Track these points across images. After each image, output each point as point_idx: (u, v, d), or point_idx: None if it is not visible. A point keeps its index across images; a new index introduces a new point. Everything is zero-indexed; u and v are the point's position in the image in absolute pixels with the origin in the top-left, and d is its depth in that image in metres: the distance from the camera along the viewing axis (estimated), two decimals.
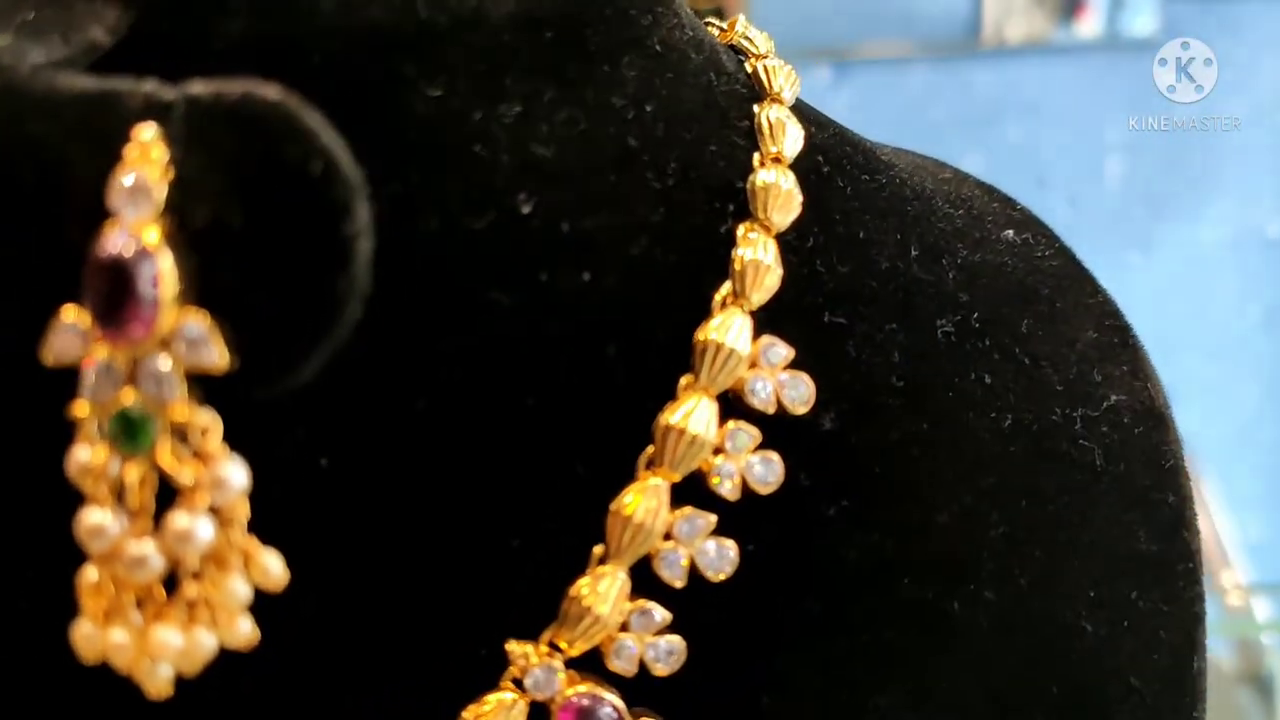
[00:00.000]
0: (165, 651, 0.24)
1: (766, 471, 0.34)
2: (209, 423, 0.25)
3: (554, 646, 0.33)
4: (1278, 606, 1.92)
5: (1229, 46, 2.25)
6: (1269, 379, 2.50)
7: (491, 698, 0.33)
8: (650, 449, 0.34)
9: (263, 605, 0.28)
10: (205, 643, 0.25)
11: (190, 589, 0.25)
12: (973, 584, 0.36)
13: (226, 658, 0.27)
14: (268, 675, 0.32)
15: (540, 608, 0.33)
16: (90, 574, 0.25)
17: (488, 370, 0.32)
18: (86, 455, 0.24)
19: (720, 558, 0.34)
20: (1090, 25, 2.43)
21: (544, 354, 0.33)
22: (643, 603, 0.33)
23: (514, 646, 0.33)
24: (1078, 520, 0.37)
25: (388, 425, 0.32)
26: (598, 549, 0.33)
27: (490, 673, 0.33)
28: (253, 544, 0.25)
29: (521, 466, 0.33)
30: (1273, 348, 2.53)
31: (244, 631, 0.25)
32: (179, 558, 0.24)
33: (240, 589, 0.25)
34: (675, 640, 0.33)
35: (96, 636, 0.25)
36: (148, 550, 0.24)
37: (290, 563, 0.27)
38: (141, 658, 0.25)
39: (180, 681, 0.29)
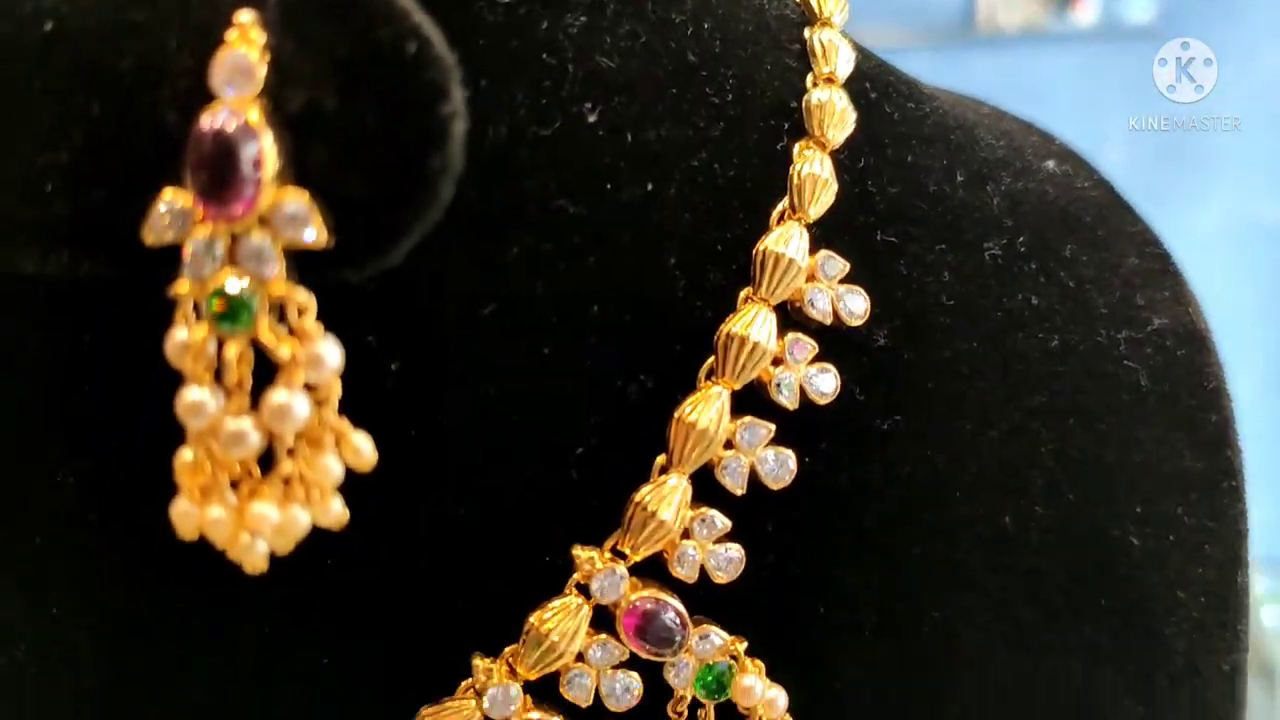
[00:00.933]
0: (262, 526, 0.25)
1: (824, 382, 0.35)
2: (306, 301, 0.25)
3: (618, 553, 0.34)
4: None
5: (1227, 35, 2.26)
6: (1265, 368, 2.51)
7: (557, 603, 0.33)
8: (711, 359, 0.34)
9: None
10: (300, 519, 0.25)
11: (286, 466, 0.25)
12: (1023, 499, 0.37)
13: (312, 542, 0.28)
14: (342, 571, 0.32)
15: (604, 515, 0.34)
16: (187, 453, 0.26)
17: (554, 278, 0.33)
18: (185, 334, 0.25)
19: (780, 466, 0.34)
20: (1087, 13, 2.44)
21: (608, 263, 0.33)
22: (704, 510, 0.34)
23: (580, 552, 0.33)
24: (1124, 438, 0.38)
25: (456, 329, 0.32)
26: (660, 458, 0.34)
27: (556, 579, 0.34)
28: (345, 424, 0.26)
29: (585, 375, 0.33)
30: (1268, 336, 2.54)
31: (336, 511, 0.26)
32: (276, 434, 0.25)
33: (334, 467, 0.25)
34: (735, 548, 0.34)
35: (194, 513, 0.25)
36: (245, 426, 0.25)
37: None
38: (239, 534, 0.25)
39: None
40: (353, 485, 0.28)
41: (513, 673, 0.33)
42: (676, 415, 0.33)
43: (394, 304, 0.30)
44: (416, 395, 0.31)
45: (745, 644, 0.34)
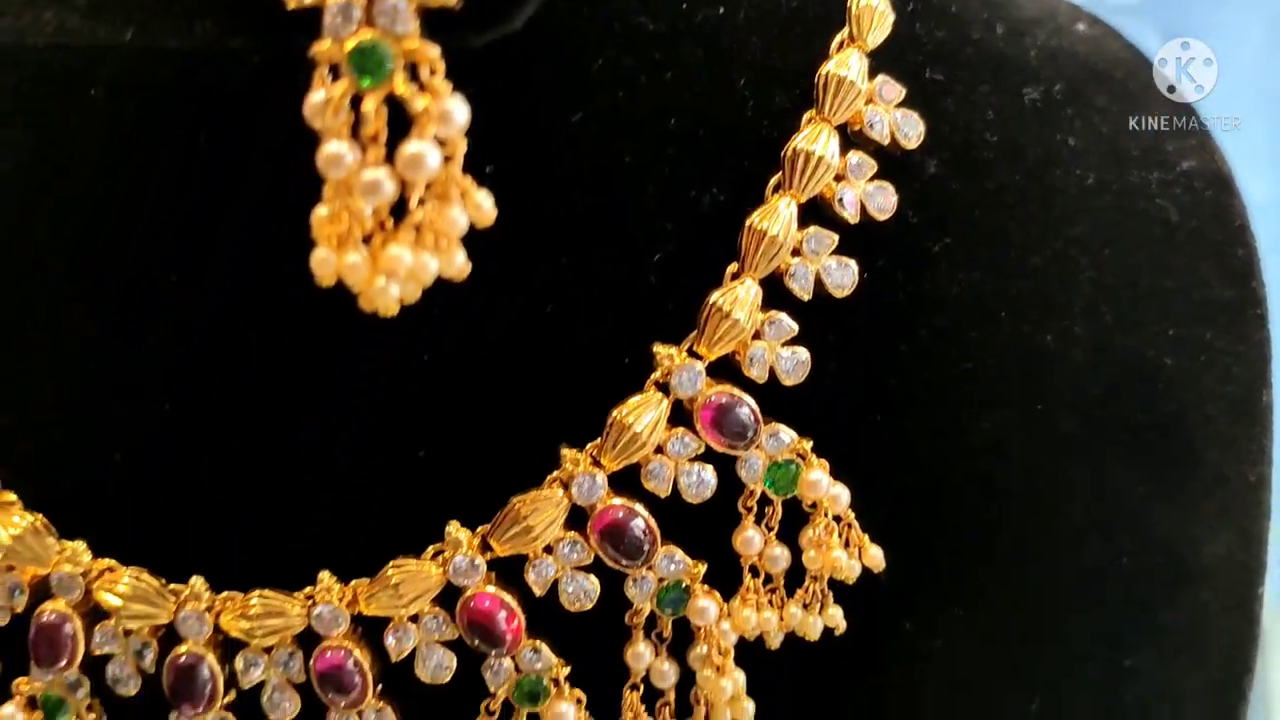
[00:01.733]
0: (397, 268, 0.27)
1: (883, 199, 0.37)
2: (437, 58, 0.27)
3: (694, 354, 0.36)
4: None
5: (1215, 11, 2.29)
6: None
7: (638, 398, 0.36)
8: (779, 174, 0.37)
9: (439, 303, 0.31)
10: (429, 265, 0.28)
11: (418, 214, 0.27)
12: (1065, 320, 0.39)
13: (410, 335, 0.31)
14: (435, 368, 0.35)
15: (681, 318, 0.36)
16: (323, 209, 0.28)
17: (635, 90, 0.35)
18: (324, 93, 0.27)
19: (842, 273, 0.37)
20: None
21: (684, 79, 0.36)
22: (774, 313, 0.36)
23: (660, 349, 0.36)
24: (1157, 267, 0.41)
25: (545, 137, 0.35)
26: (732, 265, 0.36)
27: (636, 378, 0.36)
28: (469, 180, 0.28)
29: (663, 184, 0.36)
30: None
31: (459, 262, 0.28)
32: (409, 183, 0.27)
33: (459, 218, 0.28)
34: (801, 351, 0.36)
35: (331, 260, 0.28)
36: (381, 176, 0.27)
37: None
38: (374, 277, 0.27)
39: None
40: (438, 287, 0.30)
41: (596, 464, 0.35)
42: (748, 224, 0.36)
43: (488, 110, 0.32)
44: (508, 197, 0.34)
45: (811, 443, 0.37)
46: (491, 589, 0.35)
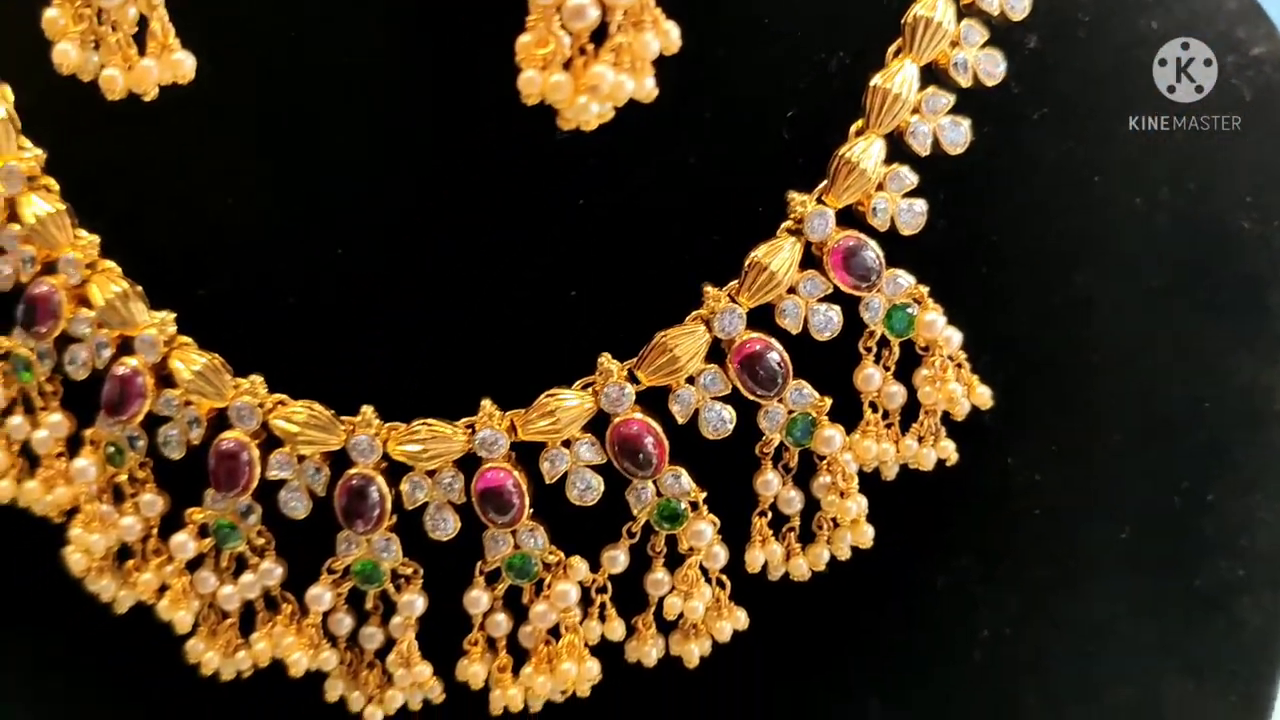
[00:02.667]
0: (600, 84, 0.30)
1: (991, 66, 0.41)
2: None
3: (822, 201, 0.39)
4: None
5: None
6: None
7: (773, 242, 0.39)
8: (899, 40, 0.40)
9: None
10: (626, 84, 0.31)
11: (618, 38, 0.31)
12: (1150, 185, 0.43)
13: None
14: (601, 214, 0.38)
15: (811, 171, 0.40)
16: (527, 36, 0.31)
17: None
18: None
19: (956, 132, 0.40)
20: None
21: None
22: (896, 166, 0.40)
23: (794, 196, 0.39)
24: (1233, 140, 0.44)
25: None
26: (858, 123, 0.40)
27: (770, 226, 0.39)
28: (659, 11, 0.31)
29: (794, 46, 0.39)
30: None
31: (649, 85, 0.31)
32: (609, 8, 0.30)
33: (652, 42, 0.31)
34: (919, 203, 0.40)
35: (537, 79, 0.31)
36: (586, 1, 0.30)
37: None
38: (576, 95, 0.31)
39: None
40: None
41: (734, 301, 0.39)
42: (872, 84, 0.39)
43: None
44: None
45: (928, 290, 0.40)
46: (639, 415, 0.38)
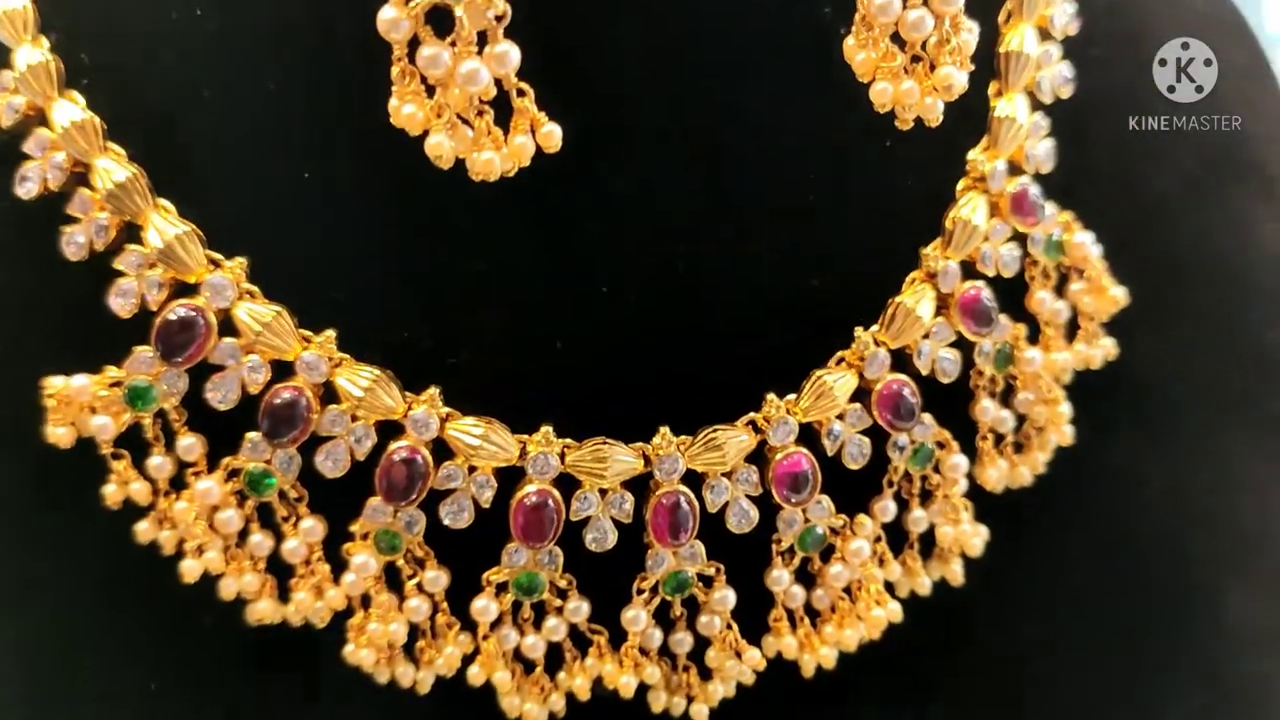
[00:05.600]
0: (951, 82, 0.35)
1: (1064, 79, 0.46)
2: None
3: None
4: None
5: None
6: None
7: (913, 290, 0.43)
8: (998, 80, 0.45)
9: None
10: (959, 79, 0.35)
11: (953, 39, 0.35)
12: None
13: None
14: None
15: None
16: (850, 39, 0.35)
17: None
18: None
19: (1047, 153, 0.46)
20: None
21: None
22: (995, 223, 0.45)
23: (926, 251, 0.44)
24: None
25: None
26: (964, 180, 0.44)
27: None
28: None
29: None
30: None
31: (960, 82, 0.36)
32: (937, 15, 0.35)
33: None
34: (1011, 250, 0.45)
35: (889, 90, 0.35)
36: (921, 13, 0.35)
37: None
38: (924, 96, 0.35)
39: None
40: None
41: (877, 344, 0.43)
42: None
43: None
44: None
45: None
46: (804, 449, 0.42)
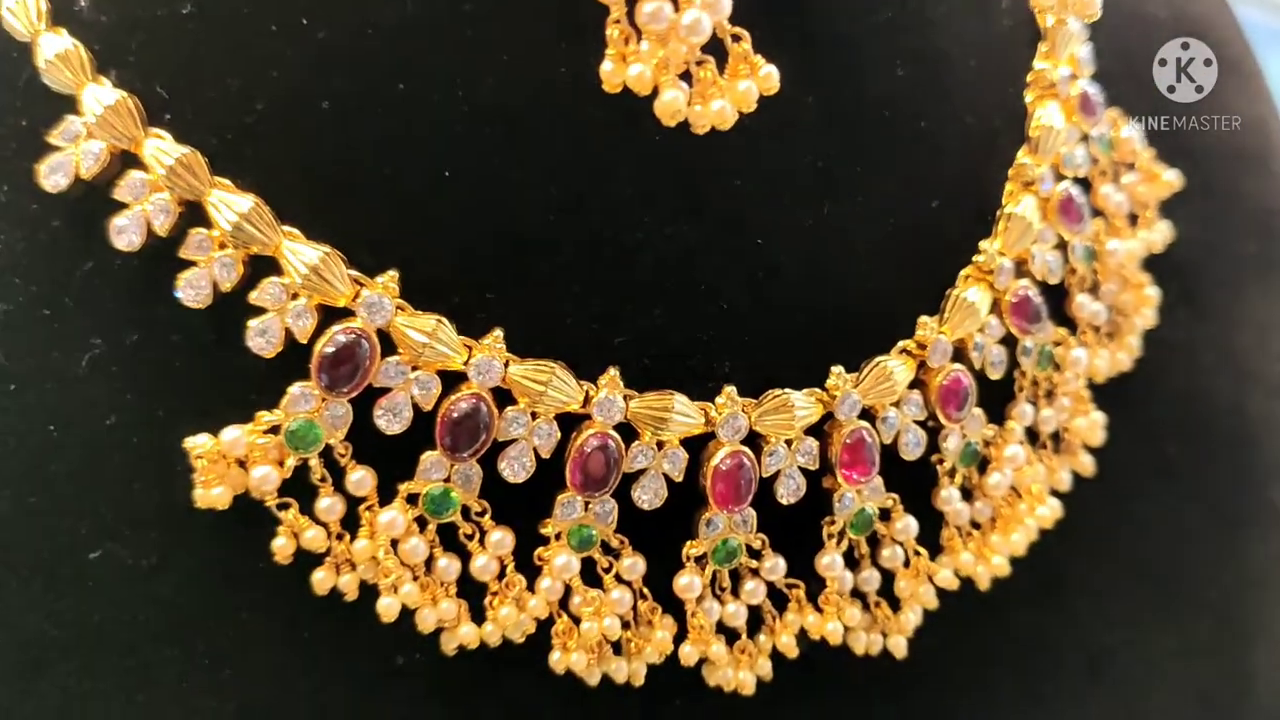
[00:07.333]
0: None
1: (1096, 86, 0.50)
2: None
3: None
4: None
5: None
6: None
7: (972, 284, 0.45)
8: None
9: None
10: None
11: None
12: None
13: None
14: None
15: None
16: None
17: None
18: None
19: (1083, 157, 0.49)
20: None
21: None
22: (1044, 225, 0.47)
23: (985, 246, 0.45)
24: None
25: None
26: (1010, 185, 0.47)
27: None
28: None
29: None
30: None
31: None
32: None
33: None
34: (1053, 256, 0.48)
35: None
36: None
37: None
38: None
39: None
40: None
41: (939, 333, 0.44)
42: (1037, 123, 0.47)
43: None
44: None
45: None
46: (867, 425, 0.42)
